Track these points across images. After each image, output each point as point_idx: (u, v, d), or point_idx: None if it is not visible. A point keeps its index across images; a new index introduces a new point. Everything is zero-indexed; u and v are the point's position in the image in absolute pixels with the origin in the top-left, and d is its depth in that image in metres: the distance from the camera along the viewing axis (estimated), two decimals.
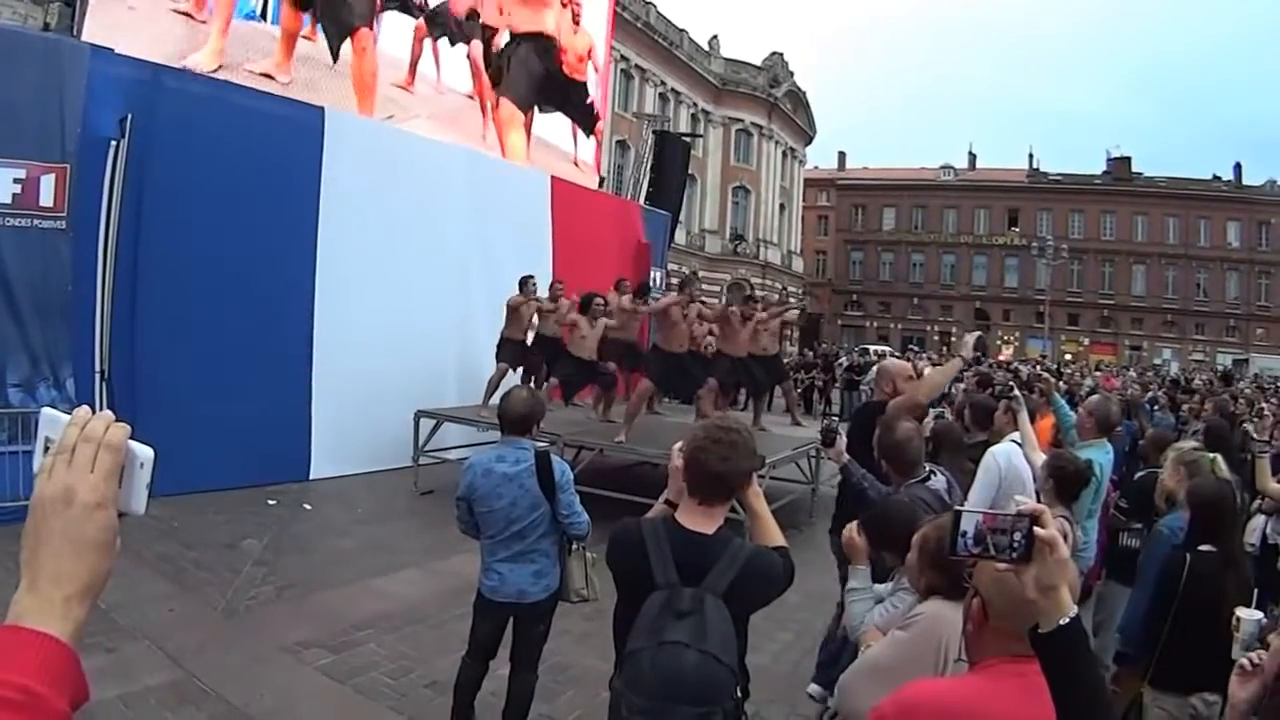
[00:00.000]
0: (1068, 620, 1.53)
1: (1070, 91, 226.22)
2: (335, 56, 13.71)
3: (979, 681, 1.88)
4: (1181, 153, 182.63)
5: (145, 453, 1.16)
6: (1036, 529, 1.56)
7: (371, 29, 14.29)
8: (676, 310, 10.47)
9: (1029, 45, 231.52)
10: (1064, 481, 4.64)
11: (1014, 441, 5.82)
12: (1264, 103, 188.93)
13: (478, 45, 16.40)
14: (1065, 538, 4.11)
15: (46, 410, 1.18)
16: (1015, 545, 1.57)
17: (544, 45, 18.80)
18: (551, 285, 12.38)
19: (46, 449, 1.12)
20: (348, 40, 13.85)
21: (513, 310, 11.84)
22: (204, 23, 11.59)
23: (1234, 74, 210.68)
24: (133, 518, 1.15)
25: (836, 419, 5.49)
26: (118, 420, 1.13)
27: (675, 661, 2.59)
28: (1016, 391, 6.50)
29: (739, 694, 2.69)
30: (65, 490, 1.07)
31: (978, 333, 5.49)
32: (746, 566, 2.78)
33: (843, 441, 4.80)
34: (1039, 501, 4.51)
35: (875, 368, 5.89)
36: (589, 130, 20.21)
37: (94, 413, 1.14)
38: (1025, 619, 1.60)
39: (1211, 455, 4.77)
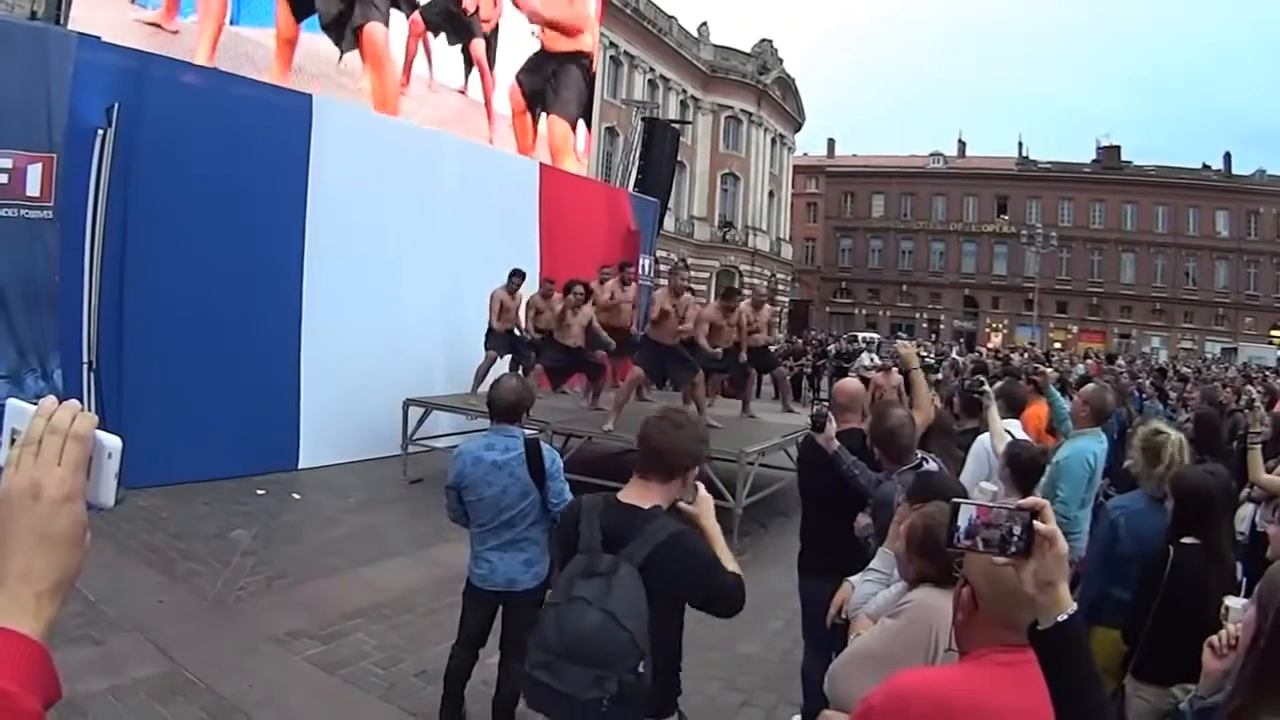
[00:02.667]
0: (1066, 617, 1.51)
1: (1060, 81, 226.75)
2: (343, 52, 13.83)
3: (969, 670, 1.88)
4: (1171, 142, 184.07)
5: (113, 443, 1.14)
6: (1037, 523, 1.53)
7: (386, 27, 14.34)
8: (667, 304, 10.42)
9: (1020, 36, 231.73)
10: (1019, 469, 4.63)
11: (1005, 430, 5.83)
12: (1254, 93, 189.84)
13: (480, 44, 16.27)
14: None
15: (12, 401, 1.15)
16: (1014, 539, 1.54)
17: (584, 61, 19.55)
18: (542, 284, 12.38)
19: (14, 441, 1.10)
20: (356, 51, 13.88)
21: (498, 304, 11.88)
22: (175, 33, 11.45)
23: (1225, 64, 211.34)
24: (121, 509, 1.12)
25: (827, 405, 5.45)
26: (103, 413, 1.10)
27: (577, 619, 2.67)
28: (986, 386, 6.51)
29: (641, 669, 2.68)
30: (32, 484, 1.05)
31: (901, 340, 5.32)
32: (668, 542, 2.80)
33: (832, 427, 4.78)
34: (1005, 487, 4.54)
35: (834, 392, 5.77)
36: (589, 118, 20.37)
37: (61, 402, 1.12)
38: (1016, 609, 1.59)
39: (1168, 435, 4.75)
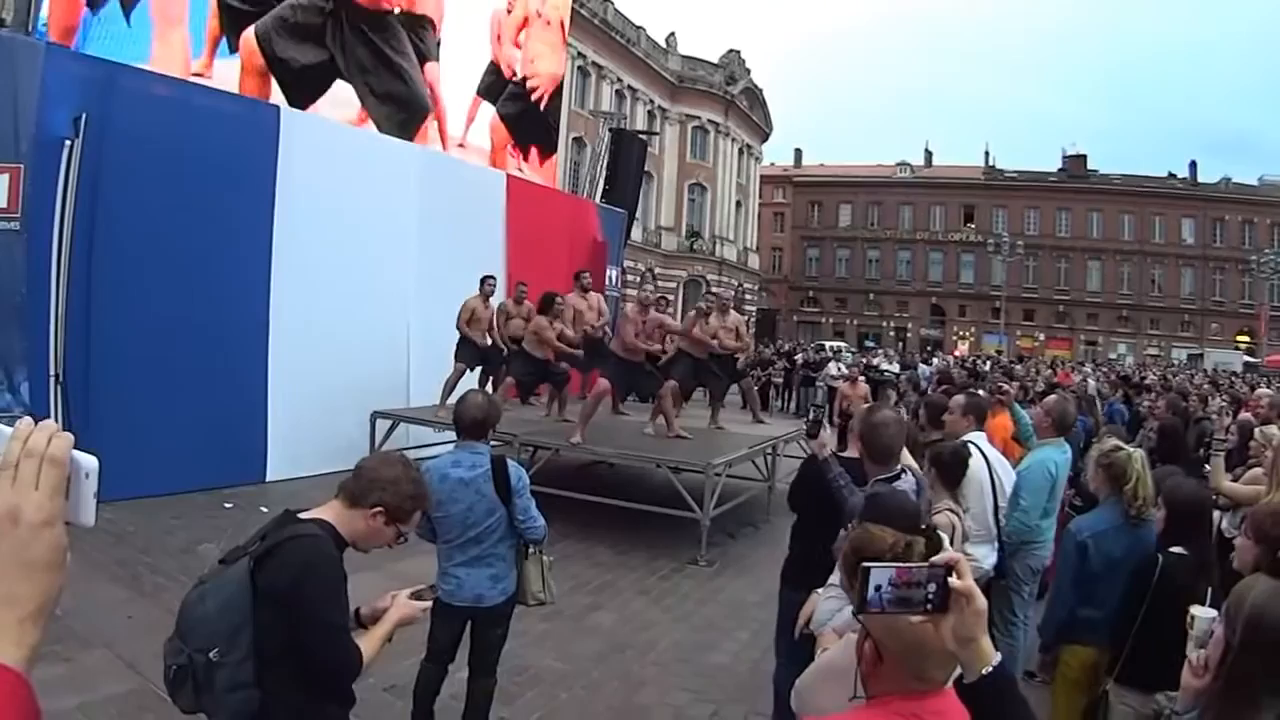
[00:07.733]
0: (990, 670, 1.53)
1: (1028, 89, 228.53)
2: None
3: (869, 716, 1.83)
4: (1137, 151, 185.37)
5: (90, 463, 1.13)
6: (951, 580, 1.52)
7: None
8: (634, 327, 10.47)
9: (988, 45, 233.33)
10: (943, 467, 4.67)
11: (970, 441, 5.88)
12: (1220, 103, 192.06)
13: (434, 67, 16.03)
14: (953, 530, 4.17)
15: None
16: (930, 597, 1.52)
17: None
18: (516, 286, 12.39)
19: None
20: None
21: (470, 311, 11.85)
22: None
23: (1191, 73, 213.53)
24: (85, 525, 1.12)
25: (824, 410, 5.47)
26: (70, 427, 1.10)
27: (187, 597, 2.86)
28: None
29: (214, 657, 2.72)
30: (11, 510, 1.04)
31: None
32: (285, 541, 2.84)
33: (827, 434, 4.79)
34: (931, 492, 4.59)
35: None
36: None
37: (38, 423, 1.10)
38: (921, 660, 1.62)
39: (1129, 452, 4.79)
